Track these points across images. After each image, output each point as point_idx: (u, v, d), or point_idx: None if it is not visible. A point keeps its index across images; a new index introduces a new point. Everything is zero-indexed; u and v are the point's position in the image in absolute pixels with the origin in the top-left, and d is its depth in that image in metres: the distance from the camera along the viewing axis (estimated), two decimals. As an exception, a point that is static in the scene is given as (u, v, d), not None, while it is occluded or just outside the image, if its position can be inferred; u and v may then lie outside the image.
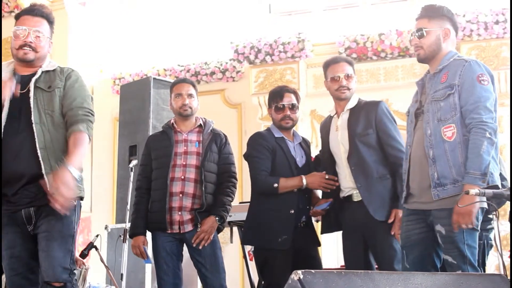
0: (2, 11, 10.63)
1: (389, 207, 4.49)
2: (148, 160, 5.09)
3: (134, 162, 6.24)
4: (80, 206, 4.04)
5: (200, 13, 11.17)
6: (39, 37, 3.97)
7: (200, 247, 4.82)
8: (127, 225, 5.92)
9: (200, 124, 5.10)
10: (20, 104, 3.86)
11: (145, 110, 7.32)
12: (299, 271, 2.36)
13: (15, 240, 3.85)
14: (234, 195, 5.09)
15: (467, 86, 3.85)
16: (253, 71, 10.20)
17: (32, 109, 3.84)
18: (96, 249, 6.20)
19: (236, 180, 5.12)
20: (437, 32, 4.09)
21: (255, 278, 5.99)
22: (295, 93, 5.03)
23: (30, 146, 3.79)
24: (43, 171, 3.77)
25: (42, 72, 3.98)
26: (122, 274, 5.93)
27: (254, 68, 10.19)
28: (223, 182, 5.01)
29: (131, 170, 6.19)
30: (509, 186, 3.93)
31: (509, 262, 7.09)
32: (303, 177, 4.77)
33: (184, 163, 4.94)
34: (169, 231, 4.87)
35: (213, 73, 10.64)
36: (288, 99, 4.94)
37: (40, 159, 3.77)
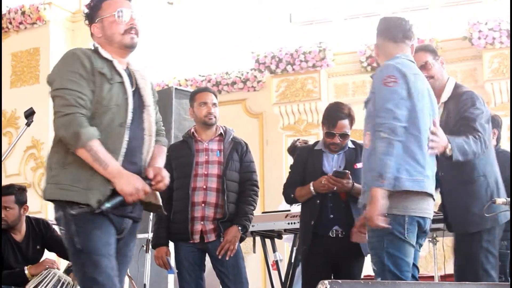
0: (25, 23, 10.70)
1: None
2: (169, 170, 5.09)
3: (155, 172, 6.23)
4: None
5: (221, 23, 11.20)
6: (139, 21, 3.51)
7: (227, 258, 4.82)
8: (150, 235, 5.92)
9: (221, 132, 5.09)
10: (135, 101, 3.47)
11: (167, 120, 7.34)
12: (326, 281, 2.36)
13: (111, 239, 3.40)
14: (256, 204, 5.10)
15: (377, 92, 3.77)
16: (274, 80, 10.21)
17: (149, 107, 3.50)
18: (119, 259, 6.20)
19: (258, 188, 5.13)
20: (375, 50, 4.07)
21: (278, 288, 5.98)
22: (349, 116, 4.94)
23: (141, 148, 3.47)
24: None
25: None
26: (145, 285, 5.93)
27: (275, 77, 10.19)
28: (245, 191, 5.02)
29: (153, 180, 6.18)
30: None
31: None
32: (311, 183, 4.83)
33: (205, 172, 4.93)
34: (191, 241, 4.87)
35: (234, 83, 10.65)
36: (341, 127, 4.90)
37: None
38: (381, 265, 3.66)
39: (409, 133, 3.66)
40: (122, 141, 3.32)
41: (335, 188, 4.74)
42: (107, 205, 3.22)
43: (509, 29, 8.81)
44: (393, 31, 3.98)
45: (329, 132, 4.92)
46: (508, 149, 6.04)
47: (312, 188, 4.83)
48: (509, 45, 8.98)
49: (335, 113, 4.95)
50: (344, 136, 4.92)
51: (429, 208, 3.71)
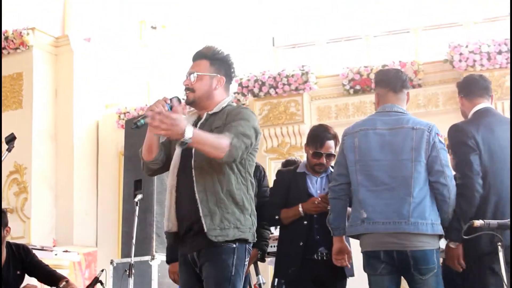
0: (8, 48, 10.70)
1: None
2: None
3: (139, 196, 6.24)
4: (246, 250, 3.87)
5: (203, 46, 11.23)
6: (193, 76, 3.95)
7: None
8: (133, 259, 5.90)
9: None
10: (188, 148, 3.80)
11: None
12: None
13: (188, 281, 3.90)
14: (270, 228, 5.36)
15: None
16: (257, 104, 10.23)
17: (193, 153, 3.79)
18: (102, 284, 6.18)
19: None
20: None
21: (262, 311, 5.96)
22: (335, 138, 5.02)
23: (190, 191, 3.77)
24: (201, 214, 3.72)
25: (209, 114, 3.94)
26: (127, 309, 5.90)
27: (258, 101, 10.21)
28: (262, 215, 5.07)
29: (136, 204, 6.18)
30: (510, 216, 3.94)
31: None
32: (300, 205, 4.86)
33: None
34: None
35: (217, 106, 10.65)
36: (327, 147, 4.96)
37: (198, 203, 3.74)
38: None
39: (352, 187, 4.29)
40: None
41: (328, 208, 4.75)
42: (142, 121, 3.67)
43: (509, 48, 8.86)
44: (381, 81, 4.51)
45: (317, 152, 4.94)
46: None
47: (301, 209, 4.85)
48: (490, 67, 9.06)
49: (322, 134, 5.00)
50: (330, 156, 4.96)
51: (376, 241, 4.11)
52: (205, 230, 3.69)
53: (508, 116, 8.78)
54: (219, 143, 3.61)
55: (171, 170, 3.93)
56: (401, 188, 4.09)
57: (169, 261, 5.09)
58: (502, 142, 4.45)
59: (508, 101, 8.89)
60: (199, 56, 4.08)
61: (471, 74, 5.01)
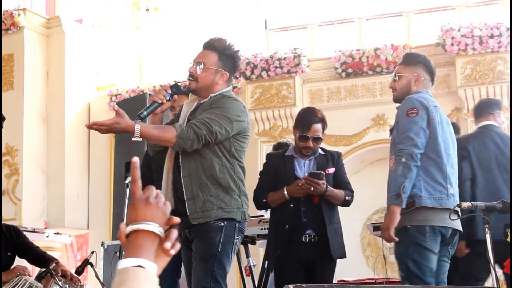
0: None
1: None
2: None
3: (130, 178, 6.21)
4: (236, 228, 4.06)
5: (196, 29, 11.22)
6: (200, 67, 4.13)
7: None
8: (123, 241, 5.91)
9: None
10: None
11: (141, 126, 7.34)
12: (291, 286, 2.38)
13: (190, 259, 4.12)
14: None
15: (399, 121, 4.31)
16: (249, 86, 10.22)
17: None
18: (92, 265, 6.19)
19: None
20: (408, 77, 4.43)
21: (252, 293, 5.99)
22: (323, 121, 5.05)
23: (179, 175, 4.07)
24: (185, 197, 4.01)
25: (199, 103, 4.17)
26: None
27: (250, 83, 10.20)
28: None
29: (127, 187, 6.17)
30: (503, 200, 3.97)
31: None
32: (285, 188, 4.90)
33: None
34: None
35: (209, 88, 10.62)
36: (315, 131, 4.99)
37: (183, 186, 4.02)
38: (408, 271, 4.13)
39: (428, 158, 4.18)
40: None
41: (311, 189, 4.77)
42: (145, 113, 3.96)
43: (509, 32, 8.86)
44: (431, 68, 4.57)
45: (303, 136, 4.96)
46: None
47: (286, 192, 4.88)
48: (481, 51, 9.07)
49: (309, 117, 5.01)
50: (317, 139, 4.98)
51: (450, 219, 4.09)
52: (188, 214, 3.97)
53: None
54: (163, 136, 3.95)
55: (168, 153, 4.16)
56: (456, 175, 4.33)
57: None
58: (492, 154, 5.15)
59: (499, 85, 8.93)
60: (210, 47, 4.19)
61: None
